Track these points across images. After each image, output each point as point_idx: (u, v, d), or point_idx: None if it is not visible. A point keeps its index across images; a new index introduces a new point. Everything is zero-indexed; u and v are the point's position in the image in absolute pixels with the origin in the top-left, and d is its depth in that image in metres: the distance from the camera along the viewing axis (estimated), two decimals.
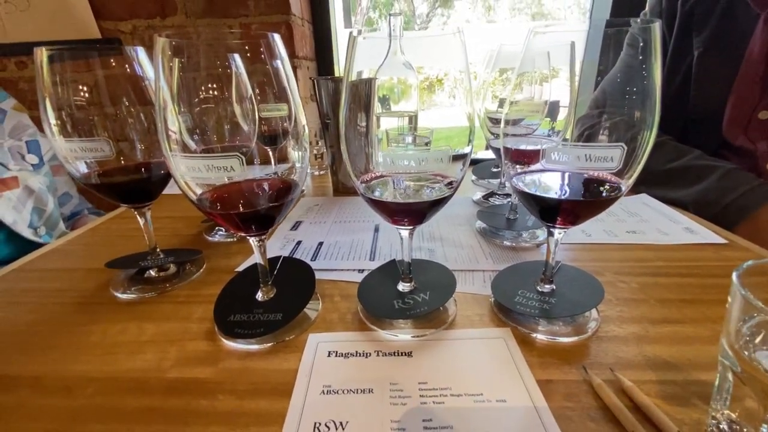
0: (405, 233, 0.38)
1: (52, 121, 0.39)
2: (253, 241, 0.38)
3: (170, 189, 0.90)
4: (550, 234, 0.39)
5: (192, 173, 0.31)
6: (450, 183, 0.37)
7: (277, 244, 0.59)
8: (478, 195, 0.77)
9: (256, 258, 0.40)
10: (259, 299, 0.41)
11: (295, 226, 0.65)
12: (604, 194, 0.34)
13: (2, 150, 0.76)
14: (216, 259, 0.55)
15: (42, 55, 0.38)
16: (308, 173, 1.01)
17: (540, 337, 0.38)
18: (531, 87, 0.38)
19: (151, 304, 0.46)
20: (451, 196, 0.35)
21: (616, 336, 0.38)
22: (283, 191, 0.37)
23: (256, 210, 0.34)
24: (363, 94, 0.69)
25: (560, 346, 0.37)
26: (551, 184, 0.37)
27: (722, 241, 0.57)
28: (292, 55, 1.16)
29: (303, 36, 1.26)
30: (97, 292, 0.48)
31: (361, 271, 0.50)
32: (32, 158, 0.81)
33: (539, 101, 0.54)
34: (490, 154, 1.11)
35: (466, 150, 0.35)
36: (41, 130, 0.70)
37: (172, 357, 0.37)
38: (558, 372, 0.34)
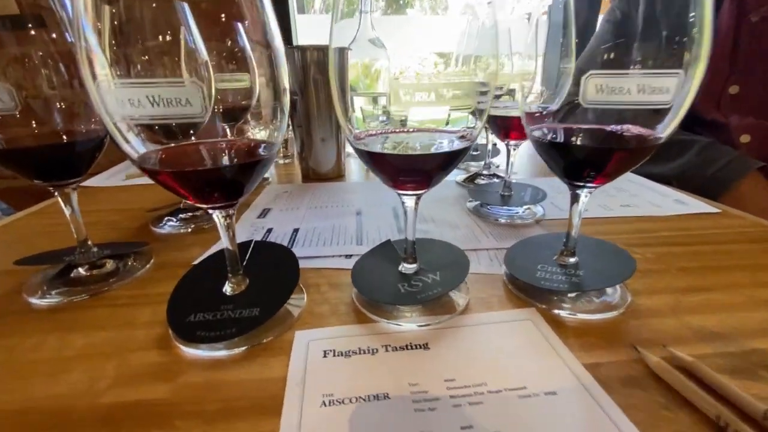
0: (410, 202, 0.31)
1: None
2: (218, 216, 0.29)
3: (108, 180, 0.77)
4: (575, 199, 0.34)
5: (128, 110, 0.22)
6: (462, 136, 0.30)
7: (244, 232, 0.50)
8: (461, 177, 0.72)
9: (222, 241, 0.31)
10: (228, 293, 0.32)
11: (263, 214, 0.56)
12: (645, 139, 0.29)
13: None
14: (167, 253, 0.45)
15: None
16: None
17: (570, 315, 0.32)
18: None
19: (79, 310, 0.35)
20: (468, 148, 0.29)
21: (650, 308, 0.33)
22: (255, 149, 0.29)
23: (220, 168, 0.26)
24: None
25: (595, 323, 0.32)
26: (578, 135, 0.32)
27: (715, 210, 0.56)
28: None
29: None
30: (5, 298, 0.37)
31: (348, 256, 0.43)
32: None
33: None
34: None
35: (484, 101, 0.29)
36: None
37: (108, 375, 0.27)
38: (604, 353, 0.28)
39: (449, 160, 0.28)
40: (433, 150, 0.28)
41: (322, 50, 0.67)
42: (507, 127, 0.52)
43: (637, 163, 0.30)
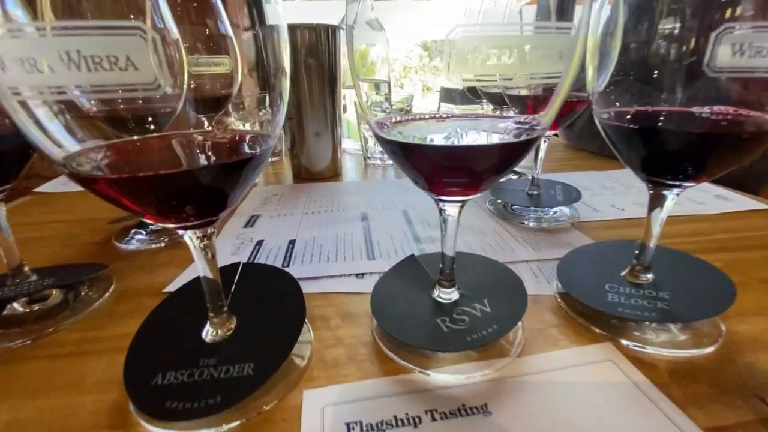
0: (453, 210, 0.24)
1: None
2: (191, 238, 0.21)
3: (67, 185, 0.67)
4: (657, 201, 0.26)
5: (26, 77, 0.13)
6: (522, 122, 0.23)
7: (227, 247, 0.41)
8: None
9: (198, 269, 0.22)
10: (209, 340, 0.24)
11: (251, 222, 0.47)
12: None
13: None
14: (132, 277, 0.36)
15: None
16: None
17: (657, 351, 0.25)
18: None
19: (10, 364, 0.26)
20: (539, 137, 0.21)
21: (751, 338, 0.27)
22: (243, 144, 0.21)
23: (192, 171, 0.17)
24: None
25: (694, 364, 0.25)
26: (670, 119, 0.24)
27: (764, 206, 0.50)
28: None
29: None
30: None
31: (360, 275, 0.35)
32: None
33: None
34: None
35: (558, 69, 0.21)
36: None
37: None
38: (725, 411, 0.21)
39: (515, 155, 0.21)
40: (494, 140, 0.20)
41: (314, 29, 0.59)
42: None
43: (755, 155, 0.23)
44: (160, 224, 0.19)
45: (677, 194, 0.26)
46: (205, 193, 0.19)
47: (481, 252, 0.39)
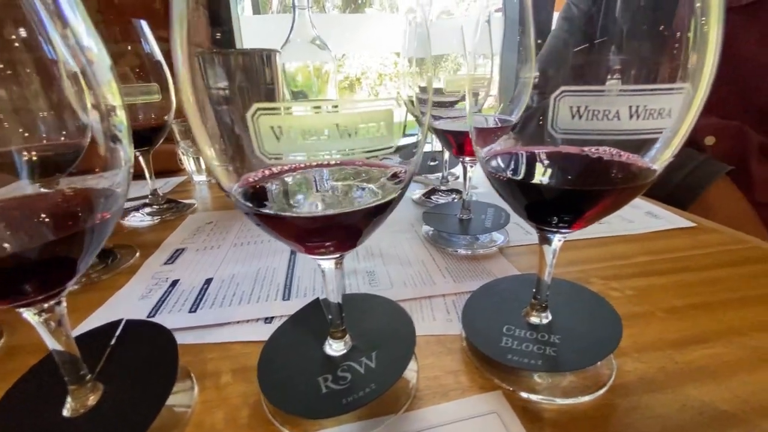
0: (329, 265, 0.23)
1: None
2: (31, 315, 0.19)
3: None
4: (545, 241, 0.26)
5: None
6: (394, 175, 0.22)
7: (138, 290, 0.39)
8: (418, 193, 0.65)
9: (47, 342, 0.21)
10: (67, 414, 0.22)
11: (173, 258, 0.45)
12: (637, 174, 0.22)
13: None
14: (27, 328, 0.34)
15: None
16: (203, 181, 0.79)
17: (545, 400, 0.25)
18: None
19: None
20: (400, 196, 0.20)
21: (641, 378, 0.27)
22: (79, 207, 0.19)
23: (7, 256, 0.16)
24: (257, 67, 0.53)
25: (579, 412, 0.24)
26: (548, 167, 0.24)
27: (689, 224, 0.51)
28: None
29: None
30: None
31: (268, 320, 0.34)
32: None
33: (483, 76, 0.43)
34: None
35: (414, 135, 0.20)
36: None
37: None
38: None
39: (371, 217, 0.20)
40: (343, 208, 0.20)
41: (249, 54, 0.57)
42: (462, 142, 0.45)
43: (626, 203, 0.23)
44: None
45: (561, 238, 0.25)
46: (31, 274, 0.17)
47: (402, 285, 0.38)
